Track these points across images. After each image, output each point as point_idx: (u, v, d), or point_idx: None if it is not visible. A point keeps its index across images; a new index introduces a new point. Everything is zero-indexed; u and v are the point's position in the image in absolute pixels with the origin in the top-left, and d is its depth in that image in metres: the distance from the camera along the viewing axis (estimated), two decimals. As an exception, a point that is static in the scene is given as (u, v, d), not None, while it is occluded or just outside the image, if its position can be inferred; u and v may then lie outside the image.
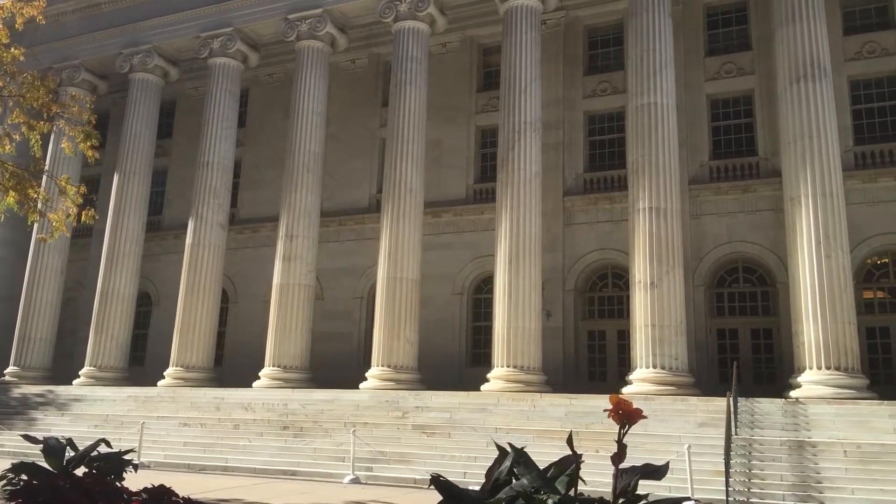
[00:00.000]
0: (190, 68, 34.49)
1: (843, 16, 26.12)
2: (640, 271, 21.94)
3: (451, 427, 20.10)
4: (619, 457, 2.29)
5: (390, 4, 27.70)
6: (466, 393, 22.64)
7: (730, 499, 14.54)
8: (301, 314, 27.03)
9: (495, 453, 12.33)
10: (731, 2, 28.10)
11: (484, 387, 23.11)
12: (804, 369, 20.05)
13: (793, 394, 19.81)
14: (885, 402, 18.36)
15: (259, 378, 26.57)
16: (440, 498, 2.81)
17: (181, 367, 28.08)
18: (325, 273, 30.80)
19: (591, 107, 29.24)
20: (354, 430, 19.06)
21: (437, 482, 2.93)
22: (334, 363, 29.12)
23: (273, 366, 26.50)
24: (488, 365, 23.92)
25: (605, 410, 2.37)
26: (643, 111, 23.10)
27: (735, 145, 27.01)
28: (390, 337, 24.75)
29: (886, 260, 24.54)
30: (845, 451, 15.80)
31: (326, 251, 30.58)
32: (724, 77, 27.41)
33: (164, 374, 28.35)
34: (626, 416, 2.23)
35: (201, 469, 19.76)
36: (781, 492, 14.81)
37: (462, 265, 29.31)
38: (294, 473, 18.89)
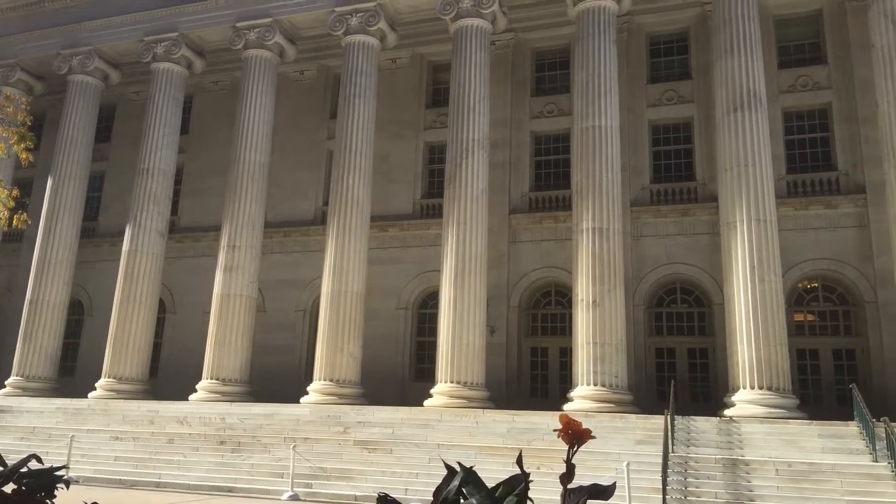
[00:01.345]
0: (132, 72, 33.66)
1: (778, 50, 27.28)
2: (583, 290, 22.32)
3: (393, 443, 19.95)
4: (567, 476, 2.31)
5: (341, 18, 27.67)
6: (409, 408, 22.54)
7: (665, 515, 14.82)
8: (242, 326, 26.51)
9: (438, 470, 12.34)
10: (673, 32, 29.05)
11: (427, 402, 23.05)
12: (738, 389, 20.66)
13: (727, 412, 20.38)
14: (814, 422, 19.07)
15: (196, 391, 25.89)
16: (381, 516, 2.78)
17: (114, 378, 27.15)
18: (267, 285, 30.32)
19: (537, 127, 29.73)
20: (294, 446, 18.73)
21: (384, 501, 2.89)
22: (275, 377, 28.63)
23: (211, 378, 25.88)
24: (432, 380, 23.88)
25: (554, 430, 2.40)
26: (588, 134, 23.61)
27: (675, 170, 27.83)
28: (333, 351, 24.49)
29: (816, 284, 25.58)
30: (777, 470, 16.31)
31: (270, 263, 30.12)
32: (666, 104, 28.26)
33: (96, 385, 27.37)
34: (576, 436, 2.26)
35: (133, 485, 19.09)
36: (715, 508, 15.19)
37: (408, 280, 29.27)
38: (231, 490, 18.42)
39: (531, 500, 2.58)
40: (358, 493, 17.34)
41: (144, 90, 33.21)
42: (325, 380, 24.33)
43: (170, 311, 32.41)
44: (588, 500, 2.58)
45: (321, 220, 30.26)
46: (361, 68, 27.18)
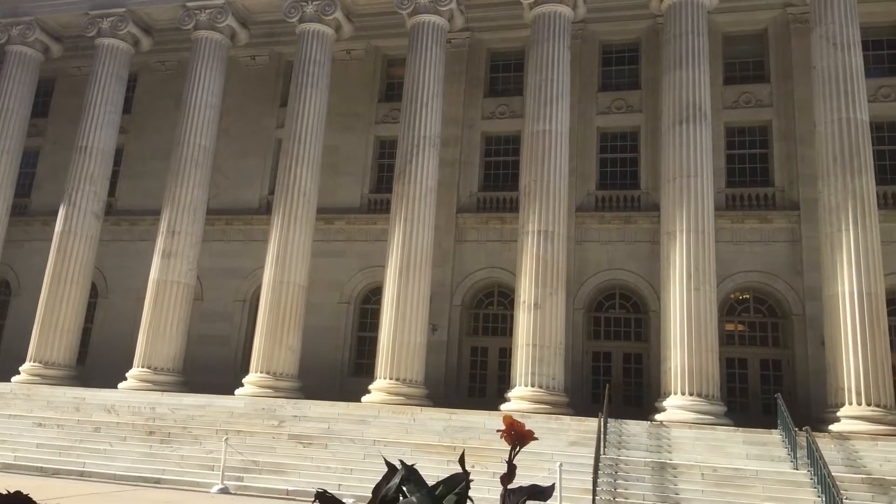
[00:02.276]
0: (75, 46, 32.44)
1: (725, 66, 28.10)
2: (526, 292, 22.55)
3: (328, 438, 19.76)
4: (508, 477, 2.31)
5: (296, 4, 27.25)
6: (347, 404, 22.38)
7: (595, 516, 15.10)
8: (178, 314, 25.85)
9: (373, 466, 12.27)
10: (626, 42, 29.60)
11: (365, 398, 22.93)
12: (669, 394, 21.21)
13: (658, 417, 20.89)
14: (740, 429, 19.72)
15: (126, 379, 25.14)
16: (314, 511, 2.73)
17: (40, 362, 26.13)
18: (207, 273, 29.65)
19: (489, 128, 29.89)
20: (227, 438, 18.36)
21: (322, 497, 2.84)
22: (210, 367, 28.03)
23: (142, 367, 25.16)
24: (371, 376, 23.77)
25: (498, 431, 2.39)
26: (538, 137, 23.86)
27: (620, 178, 28.37)
28: (272, 343, 24.12)
29: (748, 296, 26.46)
30: (703, 474, 16.80)
31: (210, 250, 29.47)
32: (615, 112, 28.78)
33: (20, 369, 26.28)
34: (519, 437, 2.26)
35: (55, 473, 18.39)
36: (643, 510, 15.55)
37: (351, 274, 29.05)
38: (158, 481, 17.93)
39: (471, 500, 2.58)
40: (290, 488, 17.11)
41: (87, 65, 32.07)
42: (261, 372, 23.94)
43: (102, 296, 31.39)
44: (527, 501, 2.59)
45: (266, 209, 29.75)
46: (315, 58, 26.82)
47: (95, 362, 29.51)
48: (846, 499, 14.60)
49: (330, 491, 2.68)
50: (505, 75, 30.65)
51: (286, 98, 28.50)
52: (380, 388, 22.91)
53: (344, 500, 3.12)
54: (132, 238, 31.51)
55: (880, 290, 20.66)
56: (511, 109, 29.56)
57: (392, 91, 31.04)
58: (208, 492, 17.07)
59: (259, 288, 26.40)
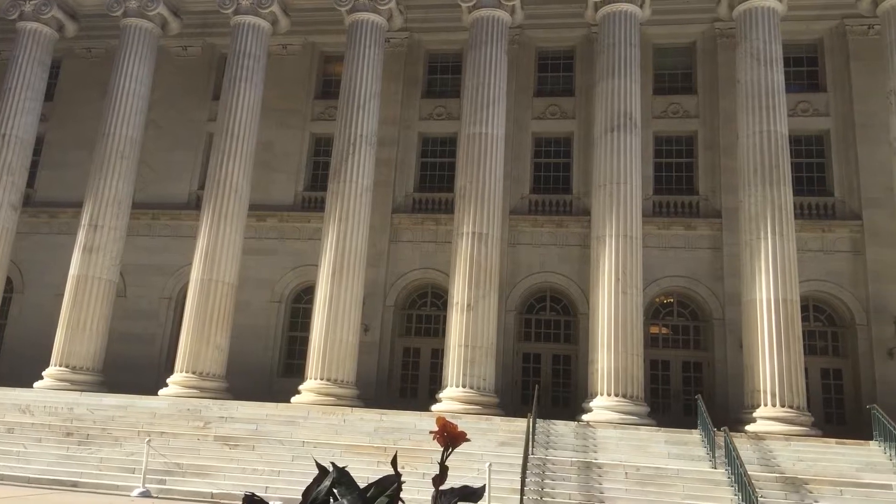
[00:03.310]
0: (-8, 28, 30.84)
1: (655, 77, 28.96)
2: (459, 293, 22.70)
3: (256, 439, 19.40)
4: (440, 478, 2.33)
5: (232, -4, 26.66)
6: (276, 404, 22.02)
7: (523, 515, 15.32)
8: (99, 311, 24.91)
9: (301, 468, 12.10)
10: (561, 49, 30.16)
11: (295, 399, 22.63)
12: (596, 395, 21.72)
13: (585, 417, 21.37)
14: (662, 429, 20.37)
15: (42, 378, 24.05)
16: (241, 514, 2.69)
17: (-54, 361, 24.71)
18: (131, 269, 28.66)
19: (425, 129, 29.94)
20: (149, 440, 17.78)
21: (250, 500, 2.80)
22: (133, 367, 27.09)
23: (60, 365, 24.13)
24: (302, 376, 23.47)
25: (431, 432, 2.42)
26: (474, 140, 24.06)
27: (553, 182, 28.88)
28: (199, 342, 23.52)
29: (672, 300, 27.34)
30: (626, 473, 17.27)
31: (135, 246, 28.50)
32: (549, 118, 29.28)
33: (-76, 368, 24.81)
34: (451, 438, 2.29)
35: (-39, 478, 17.42)
36: (569, 509, 15.87)
37: (283, 273, 28.59)
38: (76, 485, 17.22)
39: (402, 501, 2.59)
40: (215, 491, 16.72)
41: (7, 50, 30.52)
42: (187, 372, 23.33)
43: (17, 291, 29.93)
44: (458, 502, 2.61)
45: (195, 204, 28.96)
46: (250, 51, 26.30)
47: (9, 360, 28.12)
48: (761, 497, 15.25)
49: (258, 494, 2.64)
50: (443, 77, 30.76)
51: (219, 91, 27.84)
52: (310, 388, 22.65)
53: None
54: (51, 231, 30.16)
55: (795, 297, 21.70)
56: (448, 111, 29.69)
57: (329, 88, 30.72)
58: (129, 495, 16.51)
59: (186, 285, 25.68)
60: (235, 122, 25.48)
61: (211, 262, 24.18)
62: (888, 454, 18.47)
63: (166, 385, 23.38)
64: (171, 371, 24.10)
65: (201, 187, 28.28)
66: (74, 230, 26.50)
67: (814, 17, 27.71)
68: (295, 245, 28.69)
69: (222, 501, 16.12)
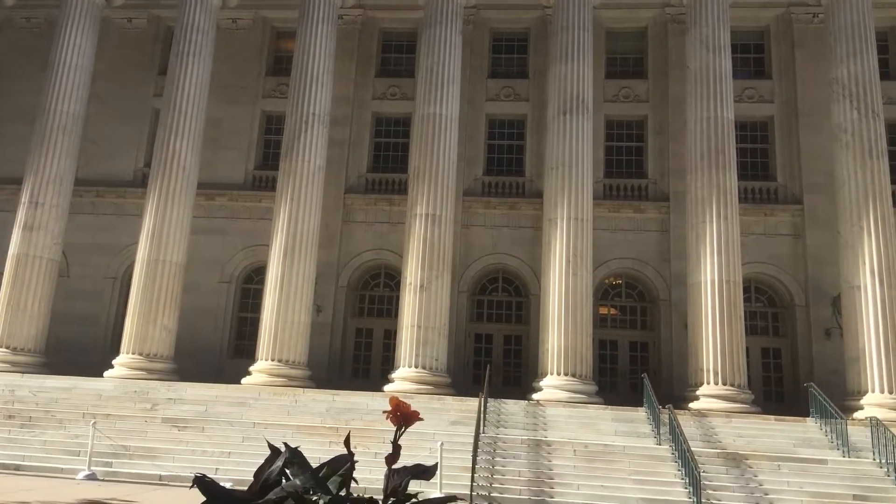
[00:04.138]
0: (-78, -7, 29.30)
1: (607, 61, 29.26)
2: (412, 274, 22.73)
3: (205, 421, 19.18)
4: (393, 457, 2.37)
5: (179, -33, 25.87)
6: (226, 386, 21.80)
7: (474, 493, 15.55)
8: (41, 291, 24.18)
9: (252, 449, 12.02)
10: (516, 31, 30.19)
11: (245, 380, 22.43)
12: (546, 374, 22.10)
13: (535, 396, 21.74)
14: (610, 407, 20.88)
15: (-20, 360, 23.27)
16: (182, 494, 2.69)
17: None
18: (74, 248, 27.83)
19: (379, 108, 29.70)
20: (94, 422, 17.43)
21: (201, 482, 2.81)
22: (77, 348, 26.43)
23: (1, 347, 23.37)
24: (252, 357, 23.26)
25: (384, 412, 2.45)
26: (428, 120, 23.98)
27: (507, 164, 29.03)
28: (145, 323, 23.07)
29: (620, 281, 27.90)
30: (575, 450, 17.66)
31: (78, 224, 27.66)
32: (503, 100, 29.35)
33: None
34: (404, 418, 2.33)
35: None
36: (519, 486, 16.15)
37: (233, 253, 28.16)
38: (18, 468, 16.77)
39: (355, 480, 2.62)
40: (163, 473, 16.50)
41: (-65, 16, 29.07)
42: (133, 353, 22.89)
43: (-48, 270, 28.78)
44: (410, 480, 2.66)
45: (141, 182, 28.22)
46: (198, 24, 25.61)
47: (-57, 342, 27.07)
48: (703, 472, 15.79)
49: (208, 476, 2.64)
50: (397, 56, 30.51)
51: (166, 65, 27.07)
52: (261, 369, 22.47)
53: (224, 486, 3.08)
54: (-12, 208, 29.04)
55: (738, 279, 22.37)
56: (402, 91, 29.49)
57: (280, 65, 30.17)
58: (74, 478, 16.18)
59: (132, 265, 25.09)
60: (183, 98, 24.85)
61: (158, 242, 23.66)
62: (824, 430, 19.30)
63: (112, 367, 22.89)
64: (116, 352, 23.60)
65: (147, 164, 27.54)
66: (14, 207, 25.58)
67: (761, 4, 28.35)
68: (245, 225, 28.26)
69: (171, 483, 15.93)
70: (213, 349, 27.10)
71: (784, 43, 28.65)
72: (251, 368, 22.73)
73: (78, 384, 21.61)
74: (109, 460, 17.11)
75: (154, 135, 26.58)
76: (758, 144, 28.31)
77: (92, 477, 16.31)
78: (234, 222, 28.40)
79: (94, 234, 28.44)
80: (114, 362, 23.01)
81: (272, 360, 22.50)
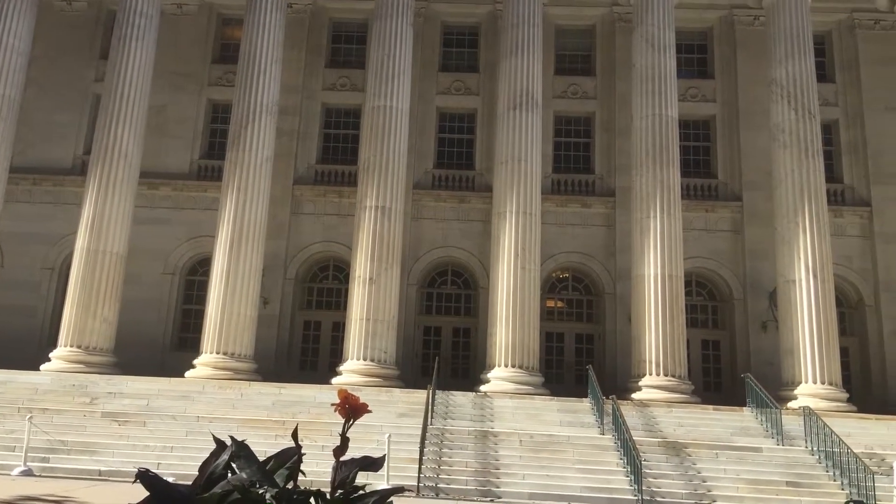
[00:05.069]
0: None
1: (556, 57, 29.60)
2: (361, 266, 22.66)
3: (147, 415, 18.78)
4: (341, 449, 2.40)
5: (122, -51, 25.09)
6: (168, 379, 21.36)
7: (421, 484, 15.66)
8: (-28, 282, 23.22)
9: (195, 443, 11.84)
10: (466, 25, 30.27)
11: (189, 373, 22.04)
12: (494, 366, 22.35)
13: (483, 388, 21.96)
14: (556, 398, 21.25)
15: None
16: (122, 490, 2.67)
17: None
18: (8, 237, 26.84)
19: (329, 99, 29.43)
20: (31, 417, 16.87)
21: (144, 476, 2.79)
22: (12, 341, 25.47)
23: (-72, 340, 22.41)
24: (197, 350, 22.84)
25: (332, 404, 2.48)
26: (379, 113, 23.88)
27: (457, 158, 29.15)
28: (85, 315, 22.42)
29: (567, 275, 28.35)
30: (521, 441, 17.92)
31: (13, 213, 26.68)
32: (454, 93, 29.43)
33: None
34: (353, 410, 2.36)
35: None
36: (465, 477, 16.32)
37: (177, 244, 27.56)
38: (-54, 466, 16.13)
39: (303, 473, 2.64)
40: (103, 468, 16.10)
41: None
42: (72, 346, 22.23)
43: None
44: (358, 472, 2.69)
45: (81, 169, 27.35)
46: (141, 9, 24.90)
47: None
48: (644, 461, 16.23)
49: (151, 471, 2.61)
50: (347, 47, 30.25)
51: (108, 50, 26.23)
52: (206, 362, 22.11)
53: (166, 480, 3.05)
54: (-85, 194, 27.72)
55: (680, 273, 22.99)
56: (352, 82, 29.28)
57: (227, 52, 29.58)
58: (9, 474, 15.64)
59: (71, 255, 24.31)
60: (125, 83, 24.16)
61: (98, 232, 23.00)
62: (759, 419, 20.03)
63: (49, 360, 22.18)
64: (54, 345, 22.88)
65: (87, 152, 26.70)
66: (-57, 194, 24.50)
67: (705, 5, 29.07)
68: (190, 215, 27.68)
69: (111, 479, 15.56)
70: (156, 342, 26.52)
71: (726, 44, 29.46)
72: (195, 361, 22.33)
73: (13, 378, 20.88)
74: (46, 456, 16.61)
75: (94, 121, 25.76)
76: (700, 142, 29.09)
77: (28, 473, 15.80)
78: (178, 212, 27.79)
79: (30, 223, 27.45)
80: (51, 355, 22.31)
81: (217, 352, 22.15)
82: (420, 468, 15.78)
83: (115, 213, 23.33)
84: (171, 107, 28.54)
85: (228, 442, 2.97)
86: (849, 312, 27.24)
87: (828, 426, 17.54)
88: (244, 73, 24.39)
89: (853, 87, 28.66)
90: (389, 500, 2.51)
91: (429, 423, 17.83)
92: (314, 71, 29.35)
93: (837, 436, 17.02)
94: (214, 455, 2.99)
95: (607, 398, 19.37)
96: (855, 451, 16.35)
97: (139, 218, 25.51)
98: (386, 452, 14.79)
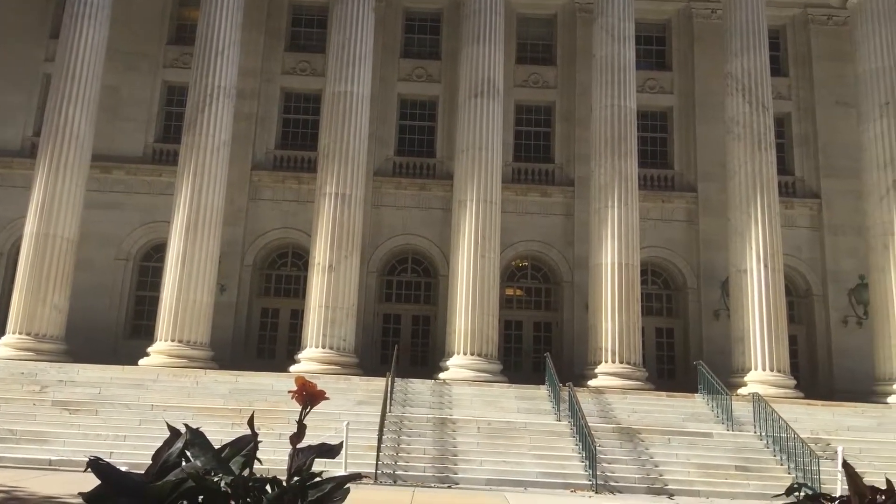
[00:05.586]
0: None
1: (518, 46, 29.67)
2: (321, 254, 22.49)
3: (99, 404, 18.41)
4: (298, 436, 2.40)
5: (73, -76, 24.26)
6: (121, 367, 20.95)
7: (379, 471, 15.69)
8: (-86, 266, 22.39)
9: (149, 432, 11.71)
10: (428, 11, 30.12)
11: (143, 361, 21.65)
12: (453, 354, 22.46)
13: (442, 375, 22.07)
14: (514, 385, 21.46)
15: None
16: (73, 479, 2.63)
17: None
18: (-48, 220, 25.90)
19: (288, 84, 29.03)
20: (-23, 406, 16.41)
21: (95, 465, 2.75)
22: (-44, 327, 24.66)
23: None
24: (151, 338, 22.44)
25: (289, 391, 2.47)
26: (339, 98, 23.66)
27: (418, 145, 29.07)
28: (34, 302, 21.82)
29: (526, 263, 28.59)
30: (478, 428, 18.07)
31: (-42, 195, 25.74)
32: (416, 80, 29.29)
33: None
34: (310, 397, 2.36)
35: None
36: (423, 464, 16.40)
37: (131, 229, 26.96)
38: None
39: (259, 461, 2.62)
40: (53, 458, 15.74)
41: None
42: (21, 333, 21.65)
43: None
44: (315, 459, 2.69)
45: (30, 152, 26.50)
46: (93, -13, 24.14)
47: None
48: (599, 446, 16.51)
49: (103, 459, 2.57)
50: (308, 30, 29.84)
51: (58, 28, 25.38)
52: (160, 350, 21.74)
53: (119, 469, 3.00)
54: None
55: (636, 262, 23.38)
56: (313, 67, 28.91)
57: (184, 33, 28.91)
58: (-48, 466, 15.19)
59: (20, 240, 23.60)
60: (77, 63, 23.45)
61: (48, 216, 22.35)
62: (710, 406, 20.53)
63: (-4, 347, 21.57)
64: (2, 332, 22.22)
65: (37, 133, 25.87)
66: None
67: (664, -2, 29.43)
68: (144, 200, 27.09)
69: (62, 468, 15.22)
70: (109, 329, 25.95)
71: (684, 36, 29.89)
72: (149, 349, 21.94)
73: (-43, 366, 20.25)
74: (-7, 446, 16.16)
75: (45, 102, 24.94)
76: (657, 134, 29.52)
77: (-27, 464, 15.35)
78: (132, 197, 27.17)
79: (-25, 206, 26.53)
80: (-2, 343, 21.68)
81: (172, 340, 21.79)
82: (378, 455, 15.81)
83: (66, 196, 22.70)
84: (124, 88, 27.82)
85: (183, 430, 2.93)
86: (797, 302, 28.05)
87: (776, 412, 18.08)
88: (201, 54, 23.88)
89: (805, 81, 29.38)
90: (346, 486, 2.51)
91: (387, 410, 17.84)
92: (273, 54, 28.91)
93: (785, 421, 17.56)
94: (168, 443, 2.96)
95: (564, 385, 19.63)
96: (801, 436, 16.90)
97: (91, 202, 24.89)
98: (343, 440, 14.78)
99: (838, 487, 14.73)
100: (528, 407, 19.86)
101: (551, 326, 27.92)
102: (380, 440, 16.04)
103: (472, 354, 22.20)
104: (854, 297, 26.96)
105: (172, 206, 23.11)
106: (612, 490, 15.68)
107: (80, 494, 2.34)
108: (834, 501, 2.59)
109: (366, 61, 24.26)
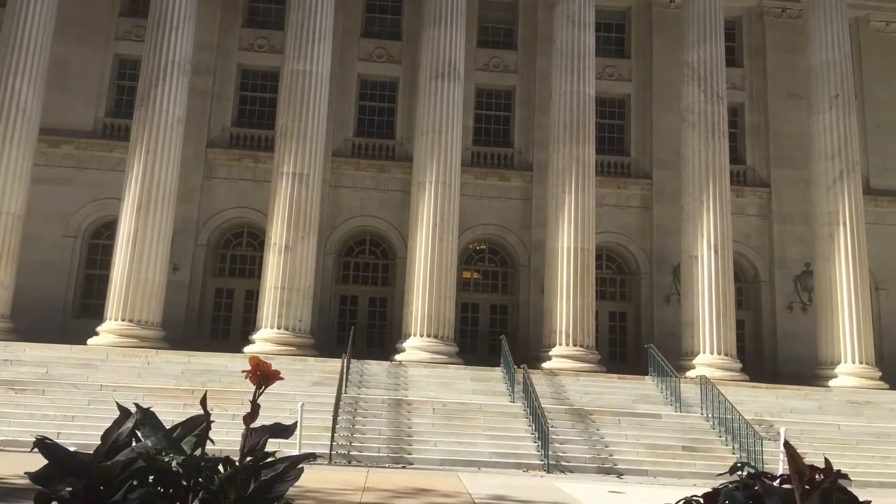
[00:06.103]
0: None
1: (479, 29, 29.60)
2: (277, 234, 22.25)
3: (46, 383, 18.01)
4: (251, 416, 2.41)
5: None
6: (70, 346, 20.49)
7: (333, 452, 15.72)
8: None
9: (98, 413, 11.52)
10: (390, -9, 29.79)
11: (92, 341, 21.20)
12: (410, 336, 22.53)
13: (398, 357, 22.13)
14: (469, 367, 21.65)
15: None
16: (19, 460, 2.60)
17: None
18: None
19: (245, 60, 28.49)
20: (-84, 386, 15.88)
21: (42, 444, 2.72)
22: None
23: None
24: (101, 317, 21.96)
25: (243, 371, 2.47)
26: (298, 77, 23.32)
27: (377, 126, 28.86)
28: (-22, 278, 21.12)
29: (484, 247, 28.75)
30: (434, 409, 18.22)
31: None
32: (376, 61, 29.02)
33: None
34: (264, 377, 2.37)
35: None
36: (378, 444, 16.49)
37: (80, 205, 26.25)
38: None
39: (212, 441, 2.62)
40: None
41: None
42: (-37, 311, 20.92)
43: None
44: (269, 439, 2.70)
45: (-28, 123, 25.49)
46: (41, -47, 23.24)
47: None
48: (551, 426, 16.82)
49: (50, 439, 2.54)
50: (266, 6, 29.26)
51: (3, -5, 24.43)
52: (110, 329, 21.31)
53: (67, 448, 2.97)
54: None
55: (592, 247, 23.71)
56: (271, 44, 28.40)
57: (137, 5, 28.09)
58: None
59: (-38, 215, 22.77)
60: (25, 33, 22.60)
61: (-7, 190, 21.61)
62: (660, 388, 21.06)
63: (-64, 326, 20.86)
64: (-58, 310, 21.48)
65: (-20, 104, 24.89)
66: None
67: (624, -14, 29.64)
68: (94, 176, 26.38)
69: (7, 449, 14.87)
70: (56, 308, 25.31)
71: (643, 25, 30.20)
72: (99, 329, 21.49)
73: None
74: (-66, 427, 15.69)
75: (-12, 72, 23.99)
76: (615, 121, 29.85)
77: (-88, 445, 14.89)
78: (81, 172, 26.43)
79: (-86, 179, 25.47)
80: (-61, 321, 20.97)
81: (123, 319, 21.37)
82: (333, 436, 15.83)
83: (11, 171, 21.97)
84: (74, 60, 26.95)
85: (133, 410, 2.91)
86: (745, 287, 28.84)
87: (722, 394, 18.64)
88: (154, 28, 23.25)
89: (759, 72, 30.02)
90: (300, 466, 2.53)
91: (343, 391, 17.86)
92: (230, 30, 28.30)
93: (730, 403, 18.12)
94: (118, 423, 2.93)
95: (519, 367, 19.89)
96: (746, 417, 17.49)
97: (38, 177, 24.15)
98: (298, 420, 14.73)
99: (780, 467, 15.30)
100: (483, 388, 20.08)
101: (508, 309, 28.20)
102: (335, 421, 16.05)
103: (428, 336, 22.30)
104: (799, 284, 27.83)
105: (124, 182, 22.57)
106: (564, 470, 16.01)
107: (27, 474, 2.32)
108: (775, 480, 2.71)
109: (325, 40, 23.94)
